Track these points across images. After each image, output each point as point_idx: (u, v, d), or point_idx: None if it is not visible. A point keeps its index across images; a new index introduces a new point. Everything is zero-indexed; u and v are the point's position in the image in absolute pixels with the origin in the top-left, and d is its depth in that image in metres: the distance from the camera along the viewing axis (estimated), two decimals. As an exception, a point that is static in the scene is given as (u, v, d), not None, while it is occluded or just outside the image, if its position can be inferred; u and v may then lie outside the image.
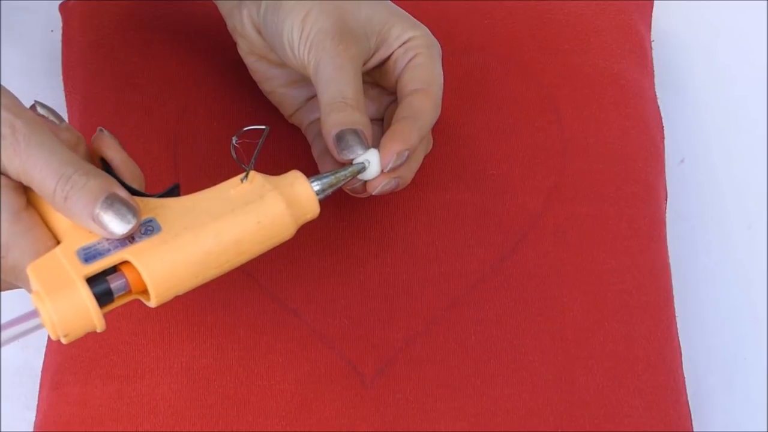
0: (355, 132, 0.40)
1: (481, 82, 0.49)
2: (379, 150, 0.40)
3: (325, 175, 0.39)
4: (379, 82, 0.44)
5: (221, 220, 0.35)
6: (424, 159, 0.46)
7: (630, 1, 0.53)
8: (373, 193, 0.41)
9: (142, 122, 0.47)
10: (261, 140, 0.38)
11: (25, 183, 0.35)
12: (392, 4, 0.44)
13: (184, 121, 0.48)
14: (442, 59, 0.43)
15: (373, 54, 0.43)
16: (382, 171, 0.40)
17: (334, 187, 0.39)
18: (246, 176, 0.37)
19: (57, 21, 0.53)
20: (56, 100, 0.54)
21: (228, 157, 0.46)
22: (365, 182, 0.41)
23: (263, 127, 0.38)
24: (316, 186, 0.38)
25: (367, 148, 0.40)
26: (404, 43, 0.43)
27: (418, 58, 0.42)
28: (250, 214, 0.35)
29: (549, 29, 0.51)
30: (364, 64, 0.43)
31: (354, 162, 0.40)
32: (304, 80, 0.44)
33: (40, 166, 0.34)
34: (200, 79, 0.49)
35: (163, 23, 0.51)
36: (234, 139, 0.38)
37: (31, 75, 0.56)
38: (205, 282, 0.35)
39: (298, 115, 0.46)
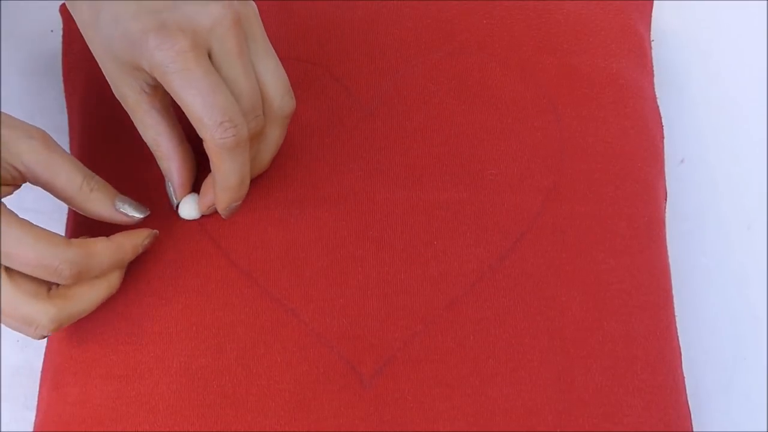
0: (169, 184, 0.44)
1: (480, 81, 0.49)
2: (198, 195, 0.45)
3: None
4: None
5: None
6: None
7: (629, 1, 0.53)
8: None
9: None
10: None
11: (42, 179, 0.40)
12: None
13: (184, 120, 0.48)
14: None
15: (155, 81, 0.41)
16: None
17: None
18: None
19: (57, 21, 0.53)
20: (56, 100, 0.54)
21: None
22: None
23: None
24: None
25: (176, 200, 0.44)
26: (155, 75, 0.39)
27: (171, 87, 0.39)
28: None
29: (548, 29, 0.51)
30: (156, 93, 0.42)
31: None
32: None
33: (68, 165, 0.40)
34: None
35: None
36: None
37: (31, 75, 0.56)
38: None
39: None
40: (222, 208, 0.43)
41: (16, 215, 0.38)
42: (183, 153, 0.44)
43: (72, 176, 0.40)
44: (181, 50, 0.38)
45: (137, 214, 0.42)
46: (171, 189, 0.45)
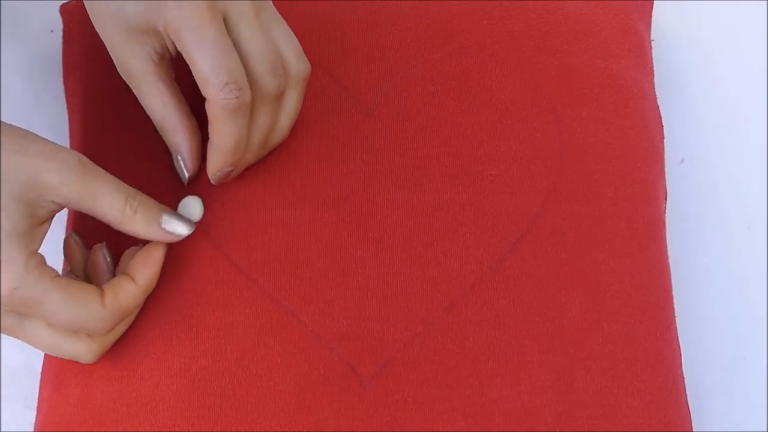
0: (179, 158, 0.44)
1: (479, 82, 0.49)
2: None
3: None
4: None
5: None
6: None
7: (629, 1, 0.53)
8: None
9: (142, 124, 0.47)
10: None
11: (84, 207, 0.39)
12: None
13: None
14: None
15: (163, 49, 0.42)
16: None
17: None
18: None
19: (57, 21, 0.53)
20: (56, 100, 0.54)
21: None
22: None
23: None
24: None
25: (188, 173, 0.44)
26: (168, 33, 0.40)
27: (183, 44, 0.40)
28: None
29: (548, 29, 0.51)
30: (163, 62, 0.43)
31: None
32: None
33: (108, 188, 0.39)
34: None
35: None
36: None
37: (31, 75, 0.56)
38: None
39: None
40: (213, 171, 0.43)
41: (55, 273, 0.39)
42: (190, 125, 0.44)
43: (113, 200, 0.39)
44: (198, 8, 0.39)
45: (184, 231, 0.42)
46: (181, 163, 0.44)
